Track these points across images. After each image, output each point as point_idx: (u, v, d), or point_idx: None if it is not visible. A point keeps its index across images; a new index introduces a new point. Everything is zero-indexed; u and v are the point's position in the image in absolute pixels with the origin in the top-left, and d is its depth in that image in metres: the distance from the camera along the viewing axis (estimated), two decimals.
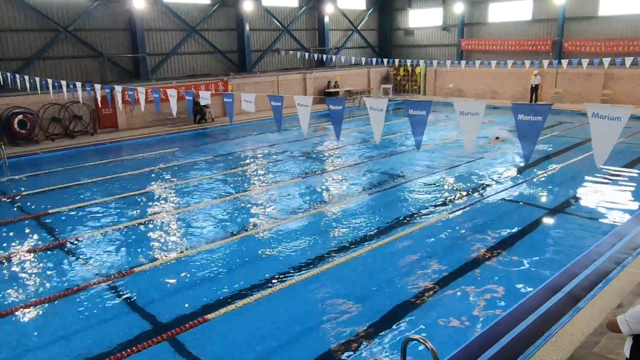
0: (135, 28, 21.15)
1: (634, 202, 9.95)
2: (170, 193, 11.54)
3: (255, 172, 13.40)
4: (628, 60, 19.87)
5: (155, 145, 17.16)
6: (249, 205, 10.55)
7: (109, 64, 20.97)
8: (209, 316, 6.00)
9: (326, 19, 28.80)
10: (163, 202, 10.93)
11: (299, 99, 6.69)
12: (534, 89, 23.22)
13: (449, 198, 10.62)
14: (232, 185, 12.08)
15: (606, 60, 20.50)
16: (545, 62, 21.79)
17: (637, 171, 12.22)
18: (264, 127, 19.94)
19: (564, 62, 21.64)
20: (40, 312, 6.41)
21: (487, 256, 7.60)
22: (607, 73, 21.94)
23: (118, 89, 12.72)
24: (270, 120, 8.87)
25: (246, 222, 9.49)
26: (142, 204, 10.79)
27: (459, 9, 28.28)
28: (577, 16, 24.26)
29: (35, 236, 8.99)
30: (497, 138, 16.48)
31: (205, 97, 9.91)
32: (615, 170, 12.01)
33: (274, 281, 6.94)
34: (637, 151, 14.05)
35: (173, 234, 9.06)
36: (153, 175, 13.20)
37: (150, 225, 9.45)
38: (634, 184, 11.19)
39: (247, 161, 14.70)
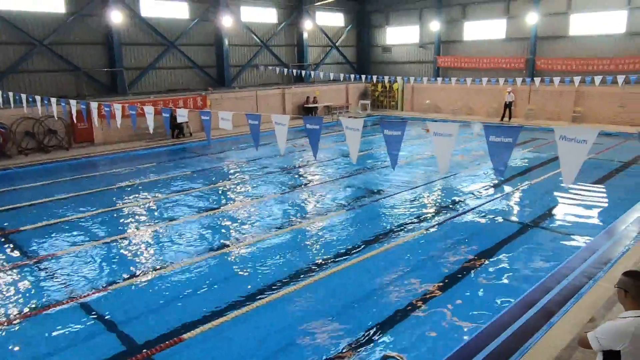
0: (112, 42, 21.00)
1: (604, 216, 10.20)
2: (146, 209, 11.39)
3: (233, 188, 13.34)
4: (597, 79, 20.49)
5: (132, 160, 16.97)
6: (227, 222, 10.48)
7: (85, 78, 20.74)
8: (185, 336, 5.91)
9: (305, 35, 29.07)
10: (139, 218, 10.79)
11: (277, 117, 6.72)
12: (508, 106, 23.76)
13: (426, 213, 10.73)
14: (210, 201, 11.99)
15: (577, 79, 21.11)
16: (519, 80, 22.34)
17: (606, 187, 12.54)
18: (242, 142, 19.89)
19: (537, 79, 22.21)
20: (10, 333, 6.22)
21: (464, 272, 7.68)
22: (578, 91, 22.59)
23: (94, 105, 12.56)
24: (249, 136, 8.88)
25: (224, 238, 9.42)
26: (117, 220, 10.62)
27: (435, 27, 28.87)
28: (549, 35, 24.99)
29: (7, 253, 8.75)
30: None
31: (182, 115, 9.87)
32: (586, 186, 12.30)
33: (252, 298, 6.89)
34: (607, 167, 14.43)
35: (149, 250, 8.94)
36: (129, 190, 13.02)
37: (126, 242, 9.30)
38: (604, 199, 11.49)
39: (225, 177, 14.64)
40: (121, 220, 10.58)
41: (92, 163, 16.84)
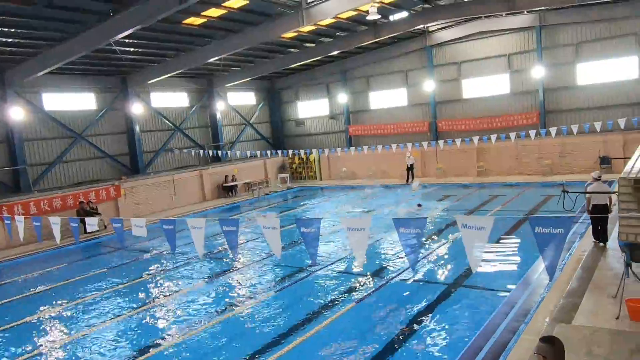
0: (13, 139, 19.99)
1: (518, 267, 10.82)
2: (59, 318, 10.45)
3: (155, 281, 12.69)
4: (493, 136, 22.38)
5: (40, 263, 15.65)
6: (152, 319, 9.87)
7: None
8: None
9: (218, 116, 29.44)
10: (51, 329, 9.86)
11: (192, 221, 6.66)
12: (410, 169, 25.23)
13: (355, 285, 10.79)
14: (130, 300, 11.27)
15: (475, 138, 22.93)
16: (425, 143, 23.91)
17: (515, 237, 13.35)
18: (161, 231, 19.17)
19: (441, 141, 23.86)
20: None
21: (398, 342, 7.71)
22: (479, 148, 24.48)
23: None
24: (168, 221, 8.70)
25: (150, 339, 8.80)
26: (25, 335, 9.62)
27: (342, 99, 30.47)
28: (446, 100, 27.22)
29: None
30: (420, 205, 18.82)
31: (92, 224, 9.58)
32: (498, 239, 13.03)
33: None
34: (514, 217, 15.44)
35: None
36: (38, 298, 11.94)
37: None
38: (516, 250, 12.23)
39: (146, 270, 13.91)
40: (30, 335, 9.60)
41: None
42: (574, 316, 7.27)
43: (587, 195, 10.73)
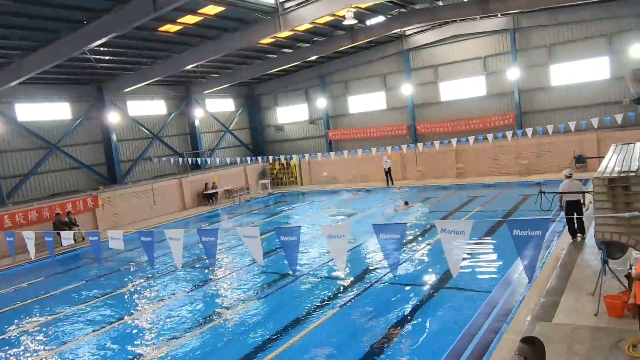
0: None
1: (499, 267, 10.94)
2: (38, 333, 10.20)
3: (136, 292, 12.49)
4: (471, 138, 22.65)
5: (15, 278, 15.25)
6: (135, 331, 9.70)
7: None
8: None
9: (197, 123, 29.18)
10: (30, 346, 9.61)
11: (170, 232, 6.57)
12: (387, 172, 25.40)
13: (339, 289, 10.77)
14: (111, 312, 11.06)
15: (454, 140, 23.18)
16: (404, 146, 24.09)
17: (496, 237, 13.51)
18: (138, 241, 18.89)
19: (420, 144, 24.07)
20: None
21: (383, 345, 7.71)
22: (457, 150, 24.75)
23: None
24: (147, 233, 8.58)
25: (133, 351, 8.65)
26: (3, 353, 9.38)
27: (322, 103, 30.52)
28: (424, 102, 27.47)
29: None
30: (407, 203, 18.82)
31: (67, 237, 9.41)
32: (479, 240, 13.16)
33: None
34: (494, 217, 15.63)
35: None
36: (14, 315, 11.61)
37: None
38: (497, 249, 12.36)
39: (125, 281, 13.69)
40: (8, 353, 9.35)
41: None
42: (555, 314, 7.38)
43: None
